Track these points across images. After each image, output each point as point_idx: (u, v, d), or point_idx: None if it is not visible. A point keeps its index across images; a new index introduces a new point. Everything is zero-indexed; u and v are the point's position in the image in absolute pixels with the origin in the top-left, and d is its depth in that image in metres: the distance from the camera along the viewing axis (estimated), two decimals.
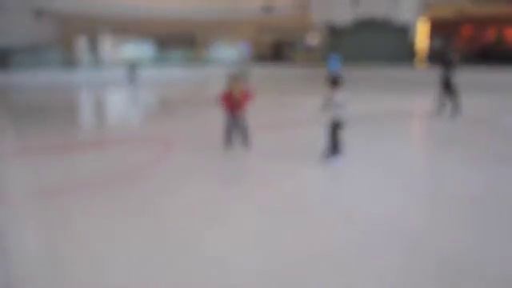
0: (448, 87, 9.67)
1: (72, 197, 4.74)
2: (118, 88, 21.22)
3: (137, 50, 35.16)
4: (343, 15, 25.46)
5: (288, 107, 13.40)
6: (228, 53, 37.92)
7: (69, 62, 31.39)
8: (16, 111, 13.33)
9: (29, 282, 2.97)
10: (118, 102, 17.17)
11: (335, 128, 5.90)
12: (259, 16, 30.33)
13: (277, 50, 37.00)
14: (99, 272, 3.10)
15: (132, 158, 6.55)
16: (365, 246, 3.44)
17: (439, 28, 24.95)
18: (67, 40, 33.22)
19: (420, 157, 6.90)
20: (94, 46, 32.21)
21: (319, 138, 8.31)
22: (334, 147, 6.02)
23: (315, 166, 6.02)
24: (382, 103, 13.59)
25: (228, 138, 6.85)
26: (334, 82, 5.86)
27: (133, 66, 22.75)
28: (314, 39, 32.43)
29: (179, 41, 36.94)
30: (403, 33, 23.24)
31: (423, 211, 4.26)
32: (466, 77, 18.94)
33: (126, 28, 31.34)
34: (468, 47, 23.12)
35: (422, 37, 23.89)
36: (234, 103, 6.67)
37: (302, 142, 7.83)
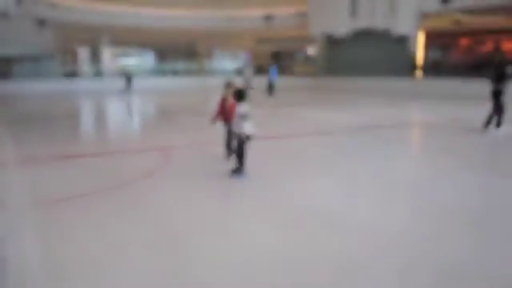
0: (497, 99, 9.31)
1: (71, 205, 4.83)
2: (117, 97, 21.39)
3: (137, 60, 35.47)
4: (341, 27, 25.70)
5: (287, 117, 13.54)
6: (228, 63, 38.21)
7: (70, 71, 31.62)
8: (17, 120, 13.45)
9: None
10: (117, 112, 17.31)
11: (240, 142, 5.79)
12: (259, 26, 30.60)
13: (276, 60, 37.30)
14: (97, 280, 3.19)
15: (131, 167, 6.64)
16: (366, 255, 3.53)
17: (435, 39, 25.16)
18: (69, 50, 33.48)
19: (417, 167, 7.01)
20: (95, 56, 32.47)
21: (315, 148, 8.49)
22: (239, 162, 5.86)
23: (313, 175, 6.12)
24: (381, 113, 13.71)
25: (227, 146, 6.84)
26: (238, 94, 5.81)
27: (128, 76, 22.90)
28: (312, 49, 32.69)
29: (180, 51, 37.23)
30: (402, 43, 23.44)
31: (421, 222, 4.35)
32: (462, 87, 19.20)
33: (127, 38, 31.59)
34: (464, 58, 23.34)
35: (418, 47, 24.07)
36: (226, 110, 6.61)
37: (297, 152, 7.95)
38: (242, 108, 5.71)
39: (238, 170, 5.88)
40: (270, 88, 19.06)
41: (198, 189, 5.51)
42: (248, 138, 5.75)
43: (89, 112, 17.50)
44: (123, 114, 16.50)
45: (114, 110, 18.36)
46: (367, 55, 24.98)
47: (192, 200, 5.07)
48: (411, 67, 23.71)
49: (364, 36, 24.64)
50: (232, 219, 4.41)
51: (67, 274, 3.24)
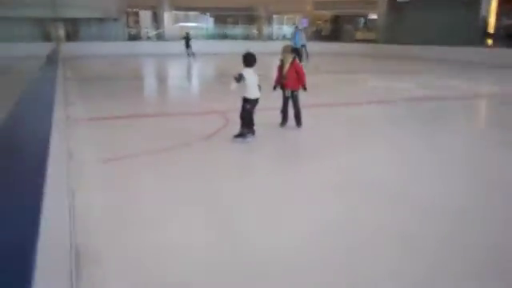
0: None
1: (133, 162, 5.05)
2: (178, 61, 21.78)
3: (197, 24, 35.76)
4: None
5: (347, 84, 13.24)
6: (287, 28, 37.60)
7: (133, 34, 32.47)
8: (84, 79, 14.11)
9: (92, 236, 3.26)
10: (178, 74, 17.68)
11: (244, 104, 5.82)
12: None
13: (336, 26, 36.21)
14: (157, 232, 3.35)
15: (191, 129, 6.79)
16: (418, 227, 3.46)
17: (510, 3, 23.15)
18: (132, 13, 34.26)
19: (477, 142, 6.66)
20: (156, 20, 33.06)
21: (374, 117, 8.27)
22: (245, 124, 5.86)
23: (369, 145, 6.01)
24: (446, 84, 13.07)
25: (283, 113, 6.72)
26: (244, 58, 5.82)
27: (187, 39, 23.06)
28: (374, 14, 31.34)
29: (239, 16, 37.07)
30: (472, 8, 21.78)
31: (478, 198, 4.17)
32: None
33: (188, 2, 31.79)
34: None
35: (490, 13, 22.21)
36: (283, 76, 6.48)
37: (356, 120, 7.78)
38: (246, 72, 5.73)
39: (242, 134, 5.87)
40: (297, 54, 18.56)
41: (251, 153, 5.58)
42: (248, 101, 5.79)
43: (151, 74, 18.00)
44: (184, 76, 16.83)
45: (175, 72, 18.76)
46: (433, 21, 23.51)
47: (245, 165, 5.15)
48: (482, 35, 22.09)
49: (431, 0, 23.16)
50: (281, 186, 4.41)
51: (125, 224, 3.43)
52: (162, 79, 16.09)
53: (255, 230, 3.35)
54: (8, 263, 1.03)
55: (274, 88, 6.62)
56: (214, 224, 3.45)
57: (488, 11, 21.80)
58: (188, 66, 19.79)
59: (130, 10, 33.44)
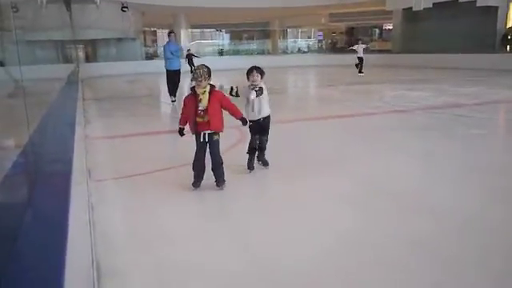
0: None
1: (151, 178, 5.13)
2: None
3: (213, 41, 36.25)
4: (421, 1, 24.18)
5: (363, 95, 13.23)
6: (302, 41, 37.86)
7: (150, 53, 33.08)
8: (101, 99, 14.41)
9: (111, 252, 3.33)
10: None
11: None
12: (333, 1, 29.72)
13: (351, 38, 36.30)
14: (173, 249, 3.40)
15: None
16: (441, 237, 3.43)
17: None
18: (149, 32, 35.01)
19: (500, 149, 6.59)
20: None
21: (391, 126, 8.23)
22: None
23: (387, 154, 5.98)
24: (464, 91, 12.94)
25: (196, 168, 4.48)
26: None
27: (190, 57, 23.53)
28: (389, 24, 31.29)
29: (254, 31, 37.49)
30: (488, 16, 21.57)
31: (499, 207, 4.12)
32: None
33: (203, 19, 32.31)
34: None
35: (509, 19, 21.98)
36: (198, 114, 4.29)
37: (373, 130, 7.77)
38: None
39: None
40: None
41: (262, 169, 5.61)
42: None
43: (165, 91, 18.26)
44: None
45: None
46: (449, 29, 23.36)
47: (258, 181, 5.15)
48: (501, 41, 21.80)
49: (446, 9, 23.02)
50: (298, 198, 4.42)
51: (144, 239, 3.47)
52: (178, 96, 16.32)
53: (273, 242, 3.38)
54: (37, 273, 1.11)
55: (181, 132, 4.59)
56: (236, 241, 3.48)
57: (505, 17, 21.58)
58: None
59: (147, 29, 34.21)
